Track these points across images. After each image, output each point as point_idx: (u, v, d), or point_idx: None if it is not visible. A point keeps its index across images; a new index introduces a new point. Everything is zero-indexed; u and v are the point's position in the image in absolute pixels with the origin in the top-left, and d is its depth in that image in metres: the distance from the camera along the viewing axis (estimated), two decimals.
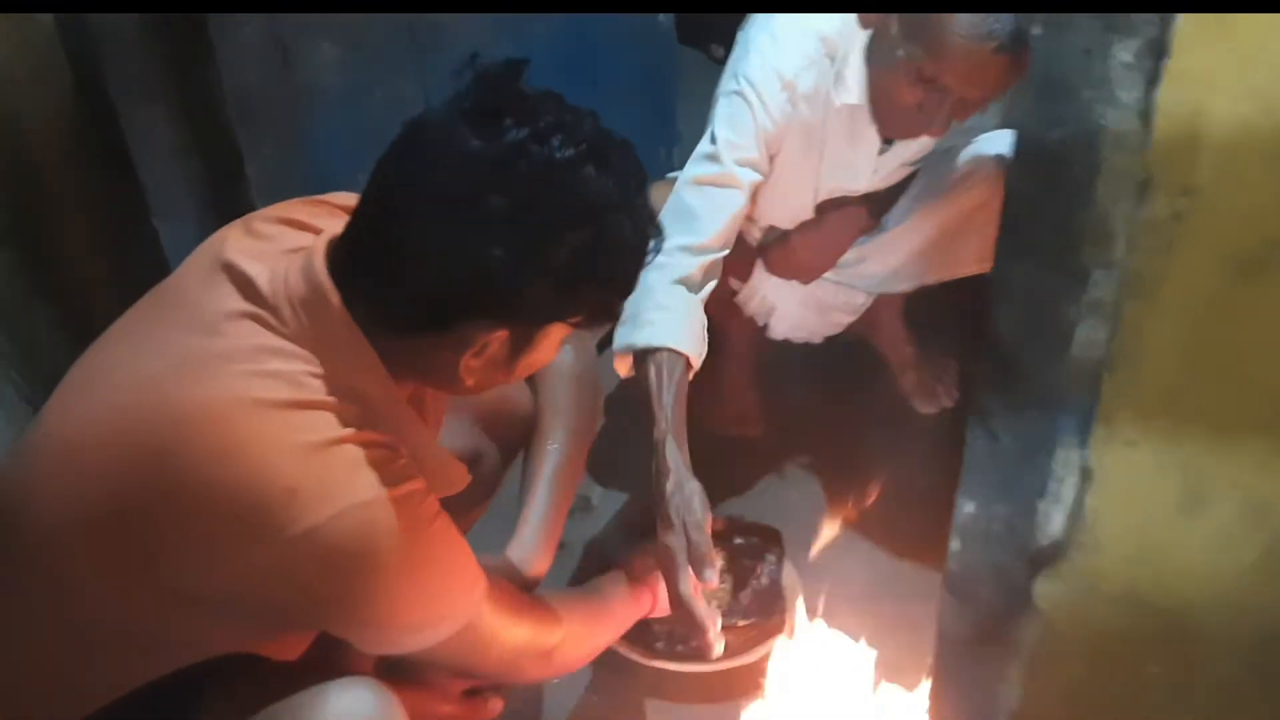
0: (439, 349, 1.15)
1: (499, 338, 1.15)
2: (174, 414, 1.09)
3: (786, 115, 1.81)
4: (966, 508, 1.05)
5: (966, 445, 1.02)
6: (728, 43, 1.89)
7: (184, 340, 1.14)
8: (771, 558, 1.97)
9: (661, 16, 2.44)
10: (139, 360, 1.15)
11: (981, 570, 1.08)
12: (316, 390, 1.12)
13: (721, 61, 1.89)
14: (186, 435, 1.08)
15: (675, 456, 1.60)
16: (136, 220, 1.71)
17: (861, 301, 2.22)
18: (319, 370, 1.13)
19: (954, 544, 1.08)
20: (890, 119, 1.82)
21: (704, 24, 2.68)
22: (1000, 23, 1.59)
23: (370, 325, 1.14)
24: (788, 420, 2.34)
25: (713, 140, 1.81)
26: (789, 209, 2.01)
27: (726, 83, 1.84)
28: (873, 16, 1.73)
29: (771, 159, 1.85)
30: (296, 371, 1.12)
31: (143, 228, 1.71)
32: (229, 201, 1.76)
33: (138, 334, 1.21)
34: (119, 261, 1.73)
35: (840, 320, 2.25)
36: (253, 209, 1.31)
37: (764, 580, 1.95)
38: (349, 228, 1.16)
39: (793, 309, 2.18)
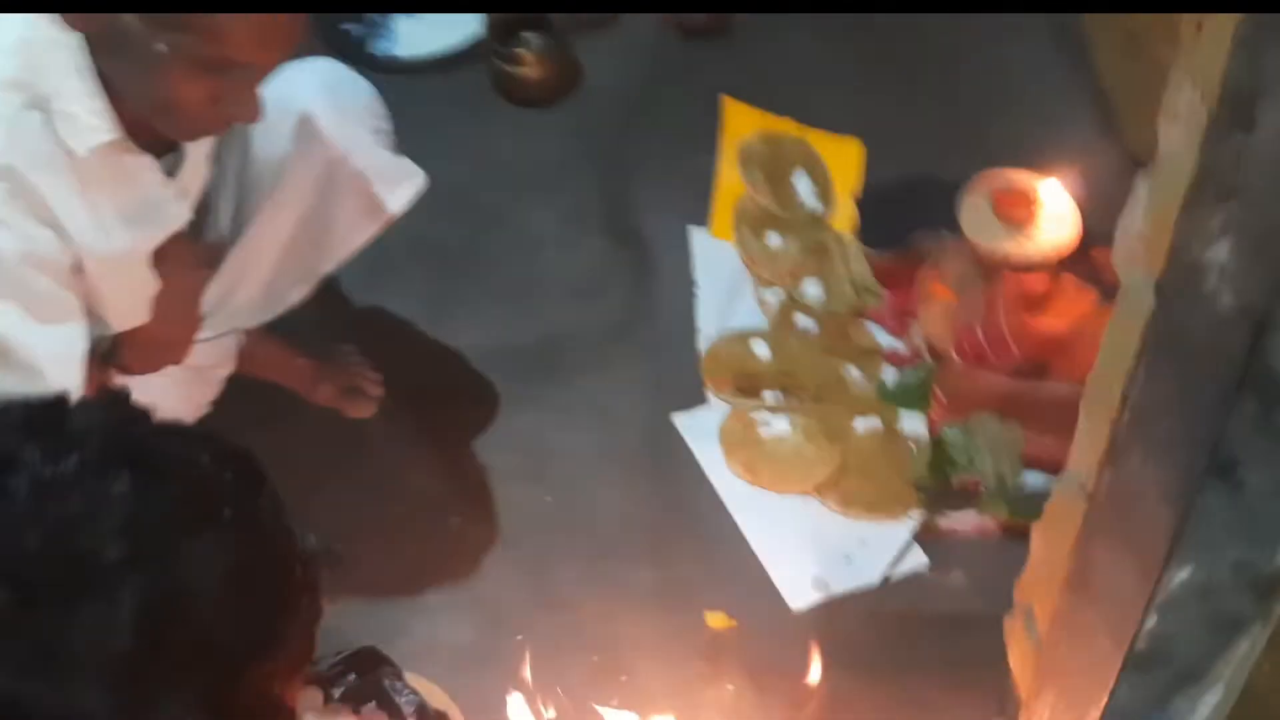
0: None
1: None
2: None
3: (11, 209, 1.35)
4: (1179, 575, 0.90)
5: (1183, 513, 0.86)
6: None
7: None
8: (400, 684, 1.46)
9: None
10: None
11: (1189, 629, 0.94)
12: None
13: None
14: None
15: None
16: None
17: (233, 342, 1.82)
18: None
19: (1149, 622, 0.93)
20: (179, 128, 1.40)
21: None
22: None
23: None
24: None
25: None
26: (128, 302, 1.52)
27: None
28: (81, 17, 1.28)
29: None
30: None
31: None
32: None
33: None
34: None
35: (222, 374, 1.83)
36: None
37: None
38: None
39: (167, 394, 1.65)
